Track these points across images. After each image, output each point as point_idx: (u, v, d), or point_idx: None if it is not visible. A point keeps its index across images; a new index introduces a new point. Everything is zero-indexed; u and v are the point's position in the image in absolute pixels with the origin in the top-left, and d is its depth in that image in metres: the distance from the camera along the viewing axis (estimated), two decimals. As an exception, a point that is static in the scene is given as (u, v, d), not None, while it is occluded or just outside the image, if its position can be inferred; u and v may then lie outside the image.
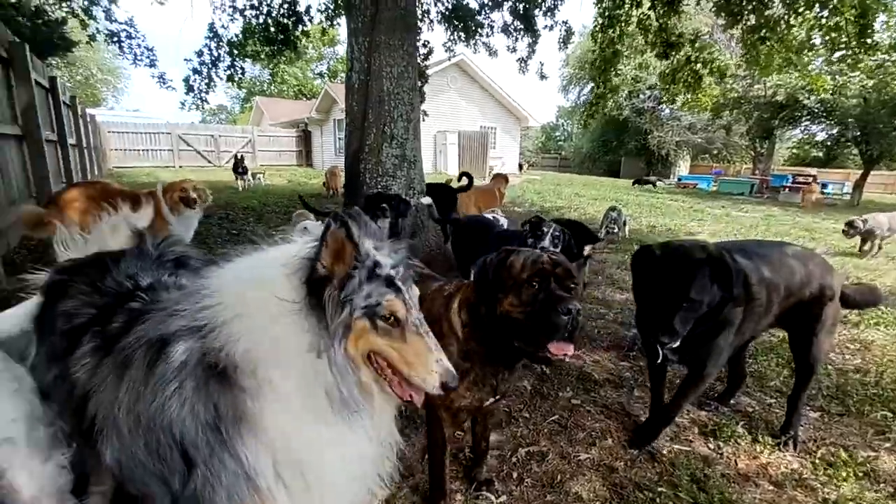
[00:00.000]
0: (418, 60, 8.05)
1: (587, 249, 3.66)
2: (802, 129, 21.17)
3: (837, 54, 4.93)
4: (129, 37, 6.92)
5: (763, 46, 5.66)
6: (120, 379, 0.96)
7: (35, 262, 3.88)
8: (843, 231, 6.49)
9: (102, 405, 0.99)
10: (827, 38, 4.76)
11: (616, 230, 7.01)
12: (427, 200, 4.17)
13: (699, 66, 6.99)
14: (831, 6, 4.37)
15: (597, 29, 8.09)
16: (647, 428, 2.07)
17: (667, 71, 7.38)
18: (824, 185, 22.61)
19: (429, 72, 9.80)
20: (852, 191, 18.42)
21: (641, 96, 30.12)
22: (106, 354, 1.01)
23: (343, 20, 5.55)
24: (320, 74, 37.59)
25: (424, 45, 8.33)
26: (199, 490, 0.88)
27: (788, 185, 19.92)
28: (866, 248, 6.44)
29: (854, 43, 4.50)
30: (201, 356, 0.89)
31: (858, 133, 16.60)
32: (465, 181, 5.60)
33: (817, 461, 2.00)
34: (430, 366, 0.94)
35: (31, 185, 5.28)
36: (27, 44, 5.60)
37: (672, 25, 6.58)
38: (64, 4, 7.33)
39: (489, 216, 4.73)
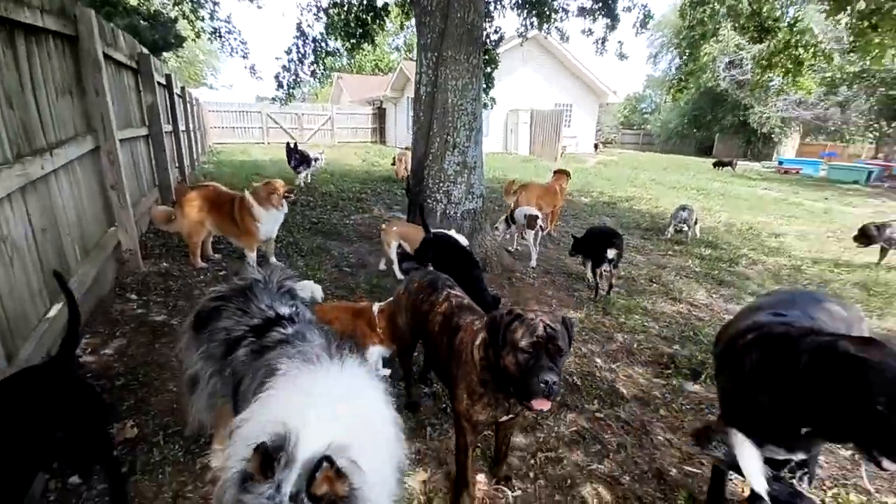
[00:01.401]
0: (489, 47, 8.12)
1: (610, 253, 4.08)
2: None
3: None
4: (229, 32, 7.81)
5: (874, 34, 5.05)
6: (255, 375, 1.46)
7: (162, 247, 4.77)
8: (854, 238, 6.00)
9: (245, 387, 1.49)
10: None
11: (686, 229, 6.77)
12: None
13: (800, 50, 6.35)
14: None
15: (686, 4, 7.56)
16: None
17: (762, 54, 6.78)
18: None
19: (501, 49, 9.73)
20: None
21: (746, 65, 26.88)
22: (257, 358, 1.49)
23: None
24: (397, 48, 38.03)
25: (496, 32, 8.34)
26: None
27: (916, 172, 17.23)
28: (884, 260, 5.90)
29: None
30: None
31: None
32: None
33: (828, 499, 2.09)
34: None
35: (155, 176, 6.31)
36: (147, 45, 6.55)
37: (767, 10, 6.01)
38: (176, 7, 8.30)
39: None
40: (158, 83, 6.78)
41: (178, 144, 8.73)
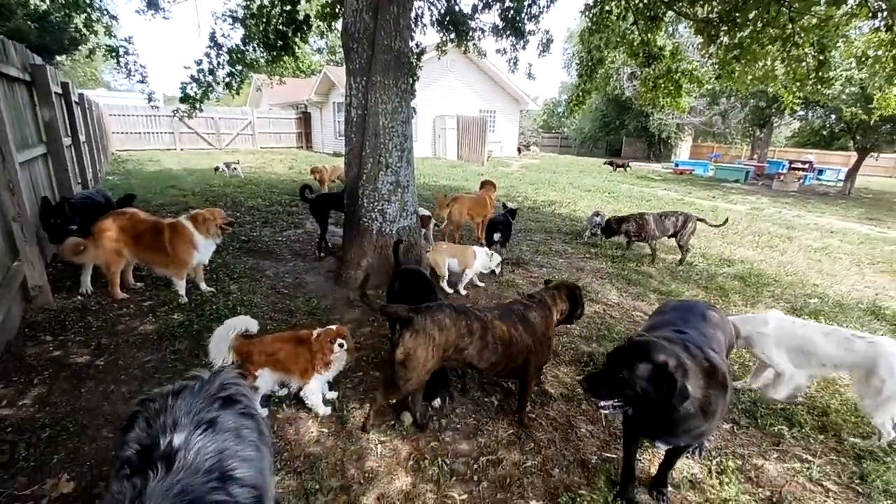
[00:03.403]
0: (412, 60, 8.34)
1: (496, 236, 5.93)
2: (798, 116, 21.23)
3: (797, 85, 5.26)
4: (127, 53, 7.24)
5: (737, 64, 6.00)
6: None
7: (72, 279, 4.41)
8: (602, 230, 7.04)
9: None
10: (789, 68, 5.12)
11: (599, 232, 7.49)
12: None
13: (679, 75, 7.32)
14: (793, 41, 4.71)
15: (585, 32, 8.32)
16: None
17: (649, 78, 7.68)
18: (820, 172, 22.81)
19: (426, 57, 10.00)
20: (844, 179, 18.67)
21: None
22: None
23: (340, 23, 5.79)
24: (318, 50, 37.05)
25: (417, 46, 8.59)
26: None
27: (782, 172, 20.18)
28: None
29: (813, 76, 4.86)
30: None
31: (845, 125, 16.83)
32: None
33: (713, 467, 2.56)
34: None
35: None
36: (38, 49, 5.90)
37: (653, 39, 6.87)
38: (69, 20, 7.58)
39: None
40: (55, 93, 6.18)
41: (79, 158, 7.97)
